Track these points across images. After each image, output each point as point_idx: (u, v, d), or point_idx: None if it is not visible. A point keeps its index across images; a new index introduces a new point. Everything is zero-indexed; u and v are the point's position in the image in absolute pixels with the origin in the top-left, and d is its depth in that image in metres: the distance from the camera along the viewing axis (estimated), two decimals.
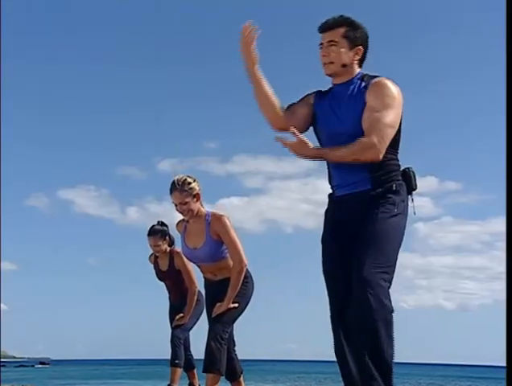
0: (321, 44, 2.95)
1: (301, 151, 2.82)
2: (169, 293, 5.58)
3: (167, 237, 5.49)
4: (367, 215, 2.88)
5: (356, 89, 2.90)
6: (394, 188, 2.89)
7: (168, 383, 5.56)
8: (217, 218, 4.06)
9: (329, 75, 2.98)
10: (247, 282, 4.09)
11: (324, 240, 3.06)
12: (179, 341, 5.19)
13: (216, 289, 4.11)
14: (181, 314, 4.79)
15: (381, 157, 2.80)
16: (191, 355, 5.64)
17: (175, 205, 4.08)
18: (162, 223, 5.50)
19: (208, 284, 4.30)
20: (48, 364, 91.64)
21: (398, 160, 2.97)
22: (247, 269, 4.07)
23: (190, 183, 4.05)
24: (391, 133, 2.82)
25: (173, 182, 4.06)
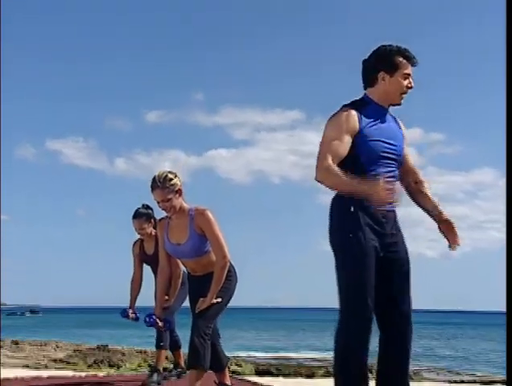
0: (408, 75, 3.12)
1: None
2: (155, 276, 5.34)
3: (152, 220, 5.26)
4: (401, 239, 3.20)
5: (393, 119, 3.29)
6: None
7: (153, 364, 5.53)
8: (201, 212, 3.92)
9: (398, 104, 3.19)
10: (230, 276, 3.98)
11: (366, 250, 3.01)
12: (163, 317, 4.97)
13: (200, 284, 3.99)
14: (166, 297, 4.48)
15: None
16: (177, 335, 5.51)
17: (158, 202, 3.94)
18: (147, 207, 5.28)
19: (191, 278, 4.17)
20: (38, 313, 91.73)
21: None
22: (230, 263, 3.97)
23: (171, 180, 3.90)
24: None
25: (154, 179, 3.90)
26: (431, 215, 3.29)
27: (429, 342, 39.47)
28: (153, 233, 5.28)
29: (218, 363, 4.18)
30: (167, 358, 5.71)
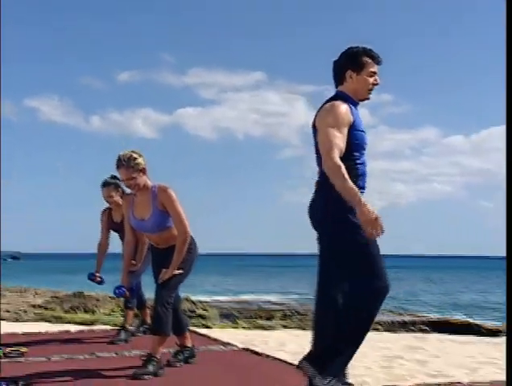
0: (374, 73, 3.30)
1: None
2: (122, 242, 5.37)
3: (120, 189, 5.40)
4: None
5: None
6: None
7: (122, 323, 5.76)
8: (163, 190, 4.07)
9: (367, 100, 3.36)
10: (191, 249, 4.14)
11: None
12: (130, 286, 5.04)
13: (162, 257, 4.15)
14: (133, 261, 4.71)
15: None
16: (143, 295, 5.76)
17: (123, 180, 4.11)
18: (114, 177, 5.34)
19: (154, 251, 4.34)
20: (19, 259, 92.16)
21: None
22: (191, 237, 4.13)
23: (136, 159, 4.04)
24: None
25: (119, 159, 4.04)
26: None
27: None
28: (120, 202, 5.34)
29: (179, 327, 4.36)
30: (136, 316, 5.93)
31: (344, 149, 3.07)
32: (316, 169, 3.27)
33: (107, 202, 5.51)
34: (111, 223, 5.58)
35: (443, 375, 4.15)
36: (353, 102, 3.25)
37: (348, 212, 2.99)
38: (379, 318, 18.19)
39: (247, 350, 4.90)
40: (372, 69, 3.26)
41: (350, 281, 3.10)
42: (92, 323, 7.69)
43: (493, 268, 65.89)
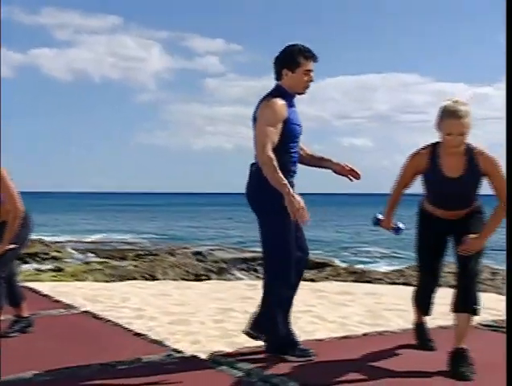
0: (310, 71, 3.54)
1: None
2: None
3: None
4: None
5: None
6: None
7: None
8: None
9: (302, 94, 3.61)
10: (25, 224, 4.14)
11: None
12: None
13: None
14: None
15: None
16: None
17: None
18: None
19: None
20: None
21: None
22: (25, 212, 4.11)
23: None
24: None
25: None
26: (326, 167, 3.83)
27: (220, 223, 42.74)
28: None
29: (15, 300, 4.42)
30: None
31: (276, 142, 3.38)
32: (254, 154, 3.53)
33: None
34: None
35: None
36: (289, 96, 3.53)
37: (275, 196, 3.33)
38: (223, 255, 19.26)
39: (87, 313, 5.16)
40: (306, 68, 3.50)
41: (276, 253, 3.56)
42: None
43: None
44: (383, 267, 18.12)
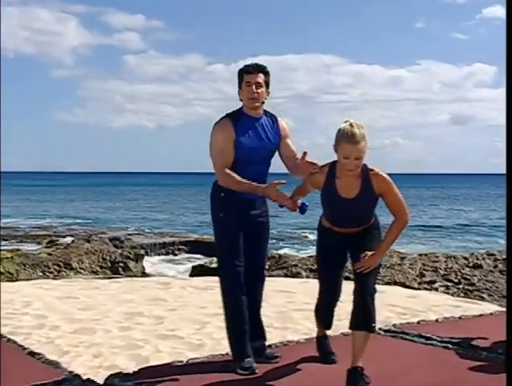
0: (248, 83, 3.60)
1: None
2: None
3: None
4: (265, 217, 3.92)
5: (269, 123, 3.74)
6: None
7: None
8: None
9: (253, 109, 3.66)
10: None
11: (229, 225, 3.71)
12: None
13: None
14: None
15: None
16: None
17: None
18: None
19: None
20: None
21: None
22: None
23: None
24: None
25: None
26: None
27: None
28: None
29: None
30: None
31: (231, 161, 3.59)
32: None
33: None
34: None
35: (174, 337, 4.59)
36: (247, 117, 3.64)
37: (221, 209, 3.66)
38: (142, 240, 18.97)
39: None
40: (246, 80, 3.61)
41: (222, 263, 3.73)
42: None
43: None
44: (300, 252, 18.34)
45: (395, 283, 8.04)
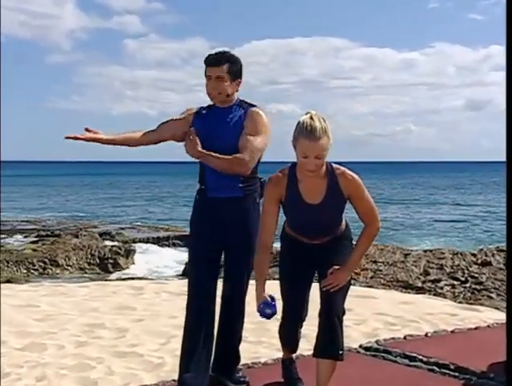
0: (209, 76, 3.31)
1: (191, 150, 3.14)
2: None
3: None
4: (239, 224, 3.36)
5: (237, 115, 3.36)
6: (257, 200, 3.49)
7: None
8: None
9: (218, 103, 3.36)
10: None
11: (200, 227, 3.35)
12: None
13: None
14: None
15: (249, 172, 3.26)
16: None
17: None
18: None
19: None
20: None
21: (257, 174, 3.42)
22: None
23: None
24: (259, 155, 3.28)
25: None
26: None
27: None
28: None
29: None
30: None
31: None
32: None
33: None
34: None
35: (133, 354, 4.21)
36: (209, 110, 3.39)
37: (193, 222, 3.37)
38: (135, 235, 18.48)
39: None
40: (207, 74, 3.33)
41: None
42: None
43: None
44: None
45: (397, 282, 7.64)
